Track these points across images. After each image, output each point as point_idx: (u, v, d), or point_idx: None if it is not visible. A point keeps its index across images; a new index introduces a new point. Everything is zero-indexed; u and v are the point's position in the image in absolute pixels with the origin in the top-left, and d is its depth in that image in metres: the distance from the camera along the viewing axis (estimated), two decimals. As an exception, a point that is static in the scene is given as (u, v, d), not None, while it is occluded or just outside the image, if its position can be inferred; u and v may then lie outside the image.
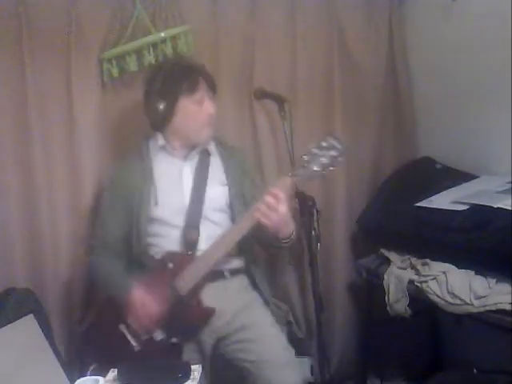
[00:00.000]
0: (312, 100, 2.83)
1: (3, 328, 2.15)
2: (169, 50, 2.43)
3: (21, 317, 2.22)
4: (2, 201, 2.42)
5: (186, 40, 2.48)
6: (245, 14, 2.68)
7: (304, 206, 2.24)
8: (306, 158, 2.03)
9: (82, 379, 1.72)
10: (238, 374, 2.23)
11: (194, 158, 2.31)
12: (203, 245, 2.20)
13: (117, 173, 2.33)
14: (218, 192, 2.29)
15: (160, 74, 2.23)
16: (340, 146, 2.04)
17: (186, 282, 2.12)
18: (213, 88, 2.30)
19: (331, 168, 2.04)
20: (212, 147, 2.36)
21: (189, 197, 2.24)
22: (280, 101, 2.51)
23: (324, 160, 2.03)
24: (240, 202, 2.30)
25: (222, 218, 2.29)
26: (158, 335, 2.14)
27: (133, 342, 2.15)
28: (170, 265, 2.16)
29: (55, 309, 2.51)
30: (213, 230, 2.23)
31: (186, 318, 2.15)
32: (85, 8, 2.41)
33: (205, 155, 2.33)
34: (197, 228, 2.21)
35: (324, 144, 2.04)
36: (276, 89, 2.64)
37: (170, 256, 2.19)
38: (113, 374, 1.82)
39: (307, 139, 2.71)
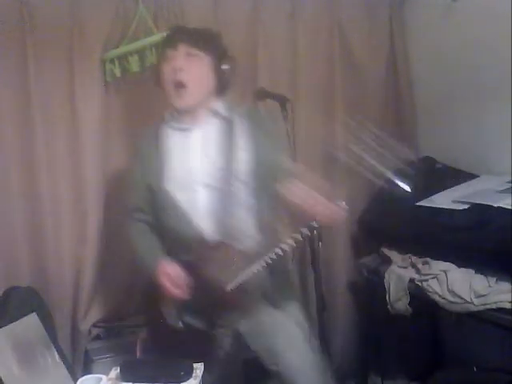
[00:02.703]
0: (313, 100, 2.85)
1: (6, 326, 2.16)
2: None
3: (24, 315, 2.24)
4: (5, 200, 2.43)
5: (187, 40, 2.49)
6: (246, 15, 2.69)
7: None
8: None
9: (84, 377, 1.73)
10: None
11: (208, 124, 2.09)
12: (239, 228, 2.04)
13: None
14: (243, 160, 2.06)
15: None
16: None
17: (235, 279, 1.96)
18: (192, 43, 2.03)
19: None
20: (234, 111, 2.12)
21: (207, 169, 2.04)
22: (282, 101, 2.52)
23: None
24: (261, 171, 2.06)
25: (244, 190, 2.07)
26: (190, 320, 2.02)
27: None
28: (219, 256, 1.98)
29: (58, 307, 2.52)
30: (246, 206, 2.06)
31: (221, 304, 2.01)
32: (87, 9, 2.42)
33: (224, 119, 2.09)
34: (230, 211, 2.03)
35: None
36: (278, 89, 2.65)
37: (219, 247, 2.00)
38: (115, 372, 1.82)
39: (309, 139, 2.75)
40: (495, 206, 2.23)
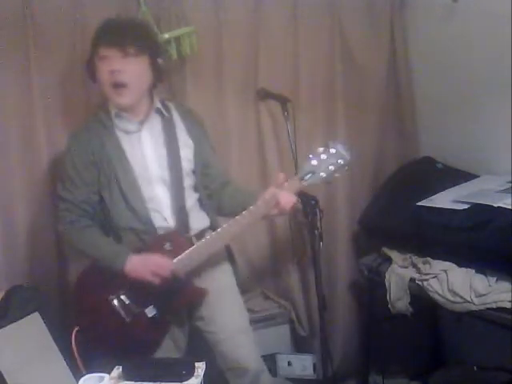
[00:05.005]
0: (314, 101, 2.85)
1: (9, 326, 2.17)
2: (173, 51, 2.45)
3: (27, 315, 2.25)
4: (8, 201, 2.44)
5: (189, 41, 2.50)
6: (248, 16, 2.69)
7: (307, 206, 2.26)
8: (314, 162, 2.01)
9: (87, 376, 1.74)
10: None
11: (153, 121, 2.19)
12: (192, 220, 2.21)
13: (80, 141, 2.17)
14: (187, 156, 2.22)
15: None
16: (348, 156, 2.04)
17: (184, 265, 2.09)
18: (128, 42, 2.05)
19: (336, 175, 2.05)
20: (170, 107, 2.26)
21: (166, 164, 2.17)
22: (283, 101, 2.54)
23: (332, 168, 2.02)
24: (199, 166, 2.26)
25: (189, 184, 2.24)
26: (151, 311, 2.13)
27: (123, 315, 2.14)
28: (168, 245, 2.12)
29: (61, 307, 2.53)
30: (193, 199, 2.24)
31: (180, 297, 2.16)
32: (90, 10, 2.43)
33: (165, 116, 2.22)
34: (184, 204, 2.18)
35: (333, 151, 2.03)
36: (279, 89, 2.66)
37: (168, 236, 2.14)
38: (117, 371, 1.83)
39: (310, 139, 2.76)
40: (495, 206, 2.23)
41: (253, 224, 2.10)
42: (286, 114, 2.51)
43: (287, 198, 2.04)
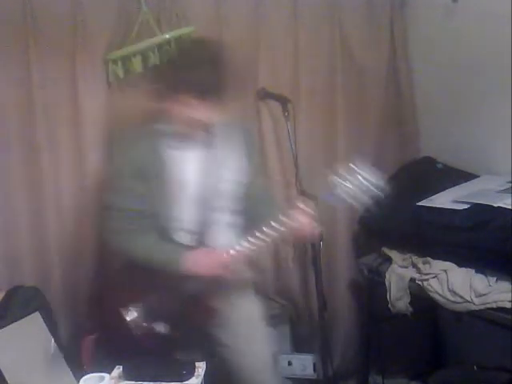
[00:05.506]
0: (315, 101, 2.85)
1: (10, 325, 2.17)
2: (173, 51, 2.45)
3: (27, 315, 2.25)
4: (9, 201, 2.44)
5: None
6: (248, 16, 2.70)
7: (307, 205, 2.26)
8: (339, 183, 1.85)
9: (87, 376, 1.74)
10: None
11: (198, 138, 2.13)
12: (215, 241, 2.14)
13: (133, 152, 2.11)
14: (226, 177, 2.16)
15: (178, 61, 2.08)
16: (379, 183, 1.82)
17: (198, 283, 2.05)
18: (211, 92, 2.02)
19: (364, 200, 1.83)
20: (217, 123, 2.14)
21: (198, 187, 2.11)
22: (283, 101, 2.54)
23: (359, 191, 1.83)
24: (240, 187, 2.19)
25: (224, 205, 2.18)
26: (160, 327, 2.10)
27: (135, 329, 2.10)
28: None
29: (61, 306, 2.53)
30: (226, 220, 2.19)
31: (191, 315, 2.11)
32: (90, 9, 2.43)
33: (210, 133, 2.14)
34: (207, 223, 2.13)
35: (362, 174, 1.83)
36: (279, 89, 2.66)
37: None
38: (118, 370, 1.84)
39: (310, 139, 2.76)
40: (495, 205, 2.24)
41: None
42: (286, 114, 2.51)
43: (308, 228, 1.98)
